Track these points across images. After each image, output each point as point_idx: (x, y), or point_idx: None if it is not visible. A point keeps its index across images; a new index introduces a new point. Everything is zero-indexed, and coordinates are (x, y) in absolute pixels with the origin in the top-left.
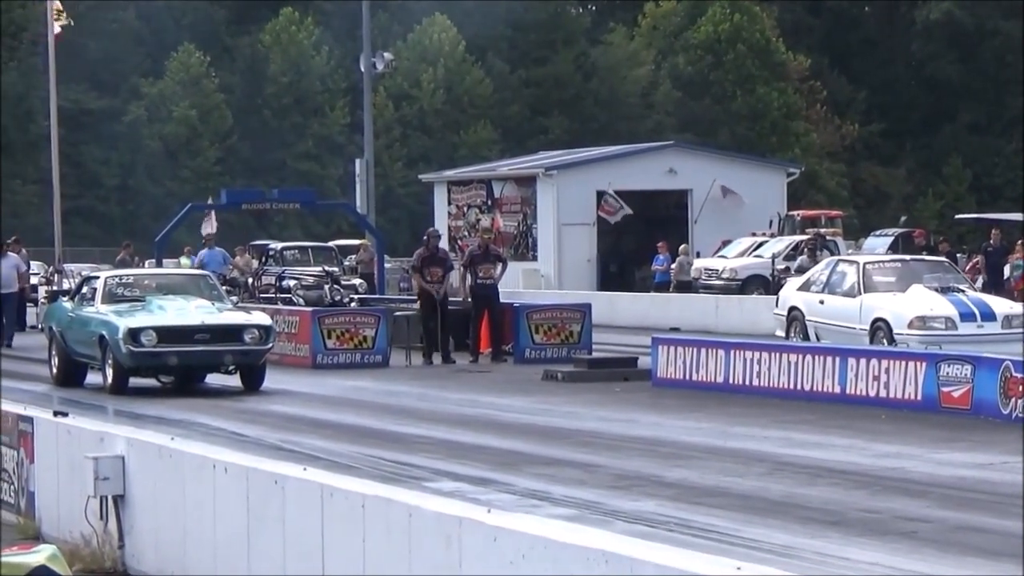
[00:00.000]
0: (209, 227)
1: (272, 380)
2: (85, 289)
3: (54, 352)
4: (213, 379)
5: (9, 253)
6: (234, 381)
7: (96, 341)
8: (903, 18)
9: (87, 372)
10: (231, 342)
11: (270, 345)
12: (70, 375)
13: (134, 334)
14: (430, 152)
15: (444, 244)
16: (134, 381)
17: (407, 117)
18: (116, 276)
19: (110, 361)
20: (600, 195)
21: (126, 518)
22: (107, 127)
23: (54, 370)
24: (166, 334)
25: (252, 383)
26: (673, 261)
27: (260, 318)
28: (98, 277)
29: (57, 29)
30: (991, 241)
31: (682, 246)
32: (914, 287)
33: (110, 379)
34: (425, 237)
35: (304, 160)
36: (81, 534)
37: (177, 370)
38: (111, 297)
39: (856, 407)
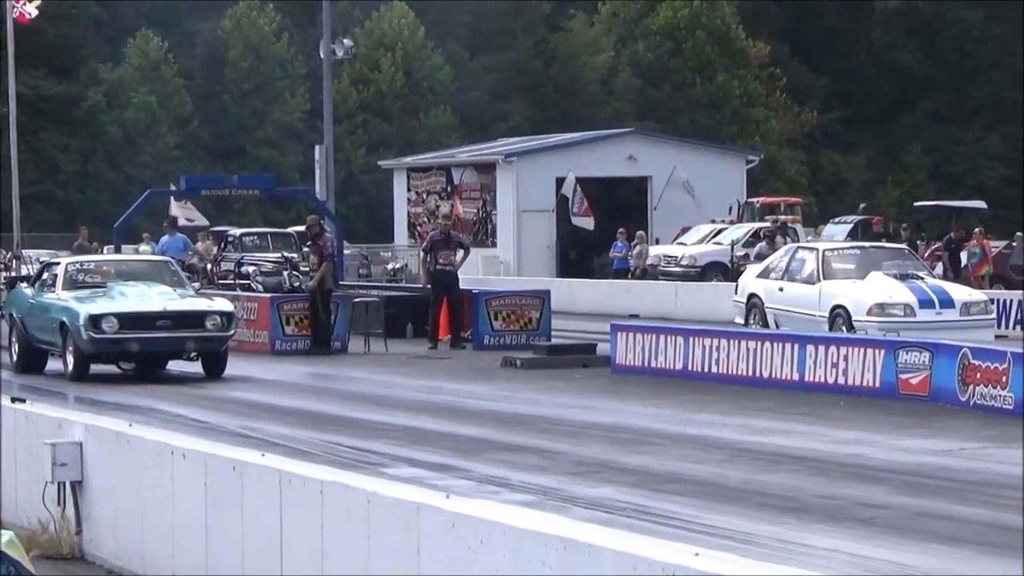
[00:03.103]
0: (181, 214)
1: (231, 366)
2: (45, 275)
3: (14, 339)
4: (174, 366)
5: None
6: (195, 368)
7: (57, 327)
8: (863, 6)
9: (48, 359)
10: (193, 328)
11: (232, 332)
12: (31, 362)
13: (95, 320)
14: (390, 138)
15: (403, 231)
16: (95, 367)
17: (367, 101)
18: (76, 262)
19: (71, 348)
20: (560, 182)
21: (84, 504)
22: (66, 113)
23: (14, 357)
24: (127, 320)
25: (214, 370)
26: (631, 248)
27: (222, 305)
28: (58, 263)
29: (34, 12)
30: (952, 236)
31: (638, 233)
32: (873, 274)
33: (71, 366)
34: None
35: (264, 146)
36: (39, 520)
37: (138, 356)
38: (72, 283)
39: (815, 394)
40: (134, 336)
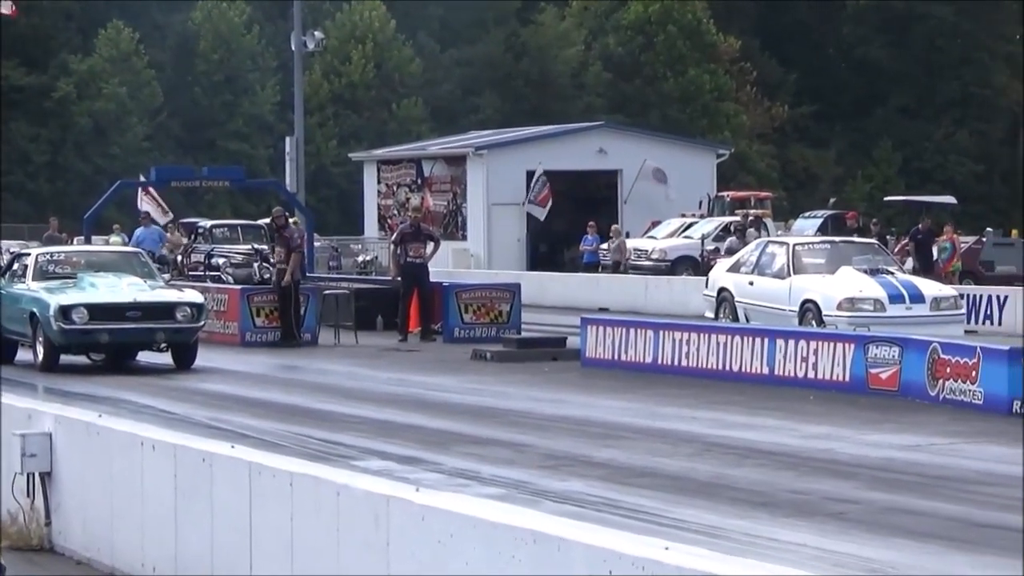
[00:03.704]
0: (150, 207)
1: (201, 358)
2: (16, 266)
3: None
4: (144, 356)
5: None
6: (165, 359)
7: (27, 318)
8: (834, 1)
9: (17, 349)
10: (163, 320)
11: (202, 323)
12: (0, 352)
13: (65, 311)
14: (360, 130)
15: (373, 223)
16: (65, 358)
17: (338, 93)
18: (47, 253)
19: (41, 338)
20: (530, 175)
21: (53, 495)
22: (36, 104)
23: None
24: (97, 311)
25: (184, 361)
26: (603, 242)
27: (192, 296)
28: (29, 254)
29: (7, 10)
30: (919, 227)
31: (613, 227)
32: (843, 269)
33: (41, 356)
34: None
35: (234, 139)
36: (8, 511)
37: (108, 347)
38: (42, 274)
39: (785, 388)
40: (104, 327)
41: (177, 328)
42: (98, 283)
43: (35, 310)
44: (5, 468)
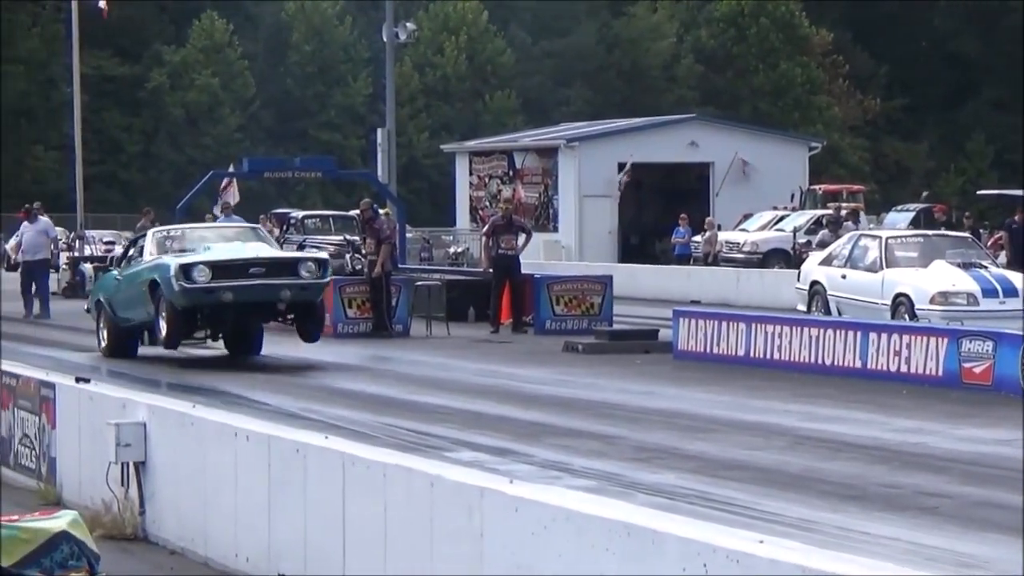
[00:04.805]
0: (229, 197)
1: (291, 348)
2: (131, 251)
3: (102, 324)
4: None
5: (40, 217)
6: (270, 347)
7: (146, 291)
8: None
9: (138, 344)
10: (287, 275)
11: (327, 280)
12: (120, 346)
13: (186, 270)
14: (452, 122)
15: (465, 215)
16: (159, 352)
17: (430, 84)
18: (164, 231)
19: (163, 311)
20: (621, 167)
21: (147, 485)
22: (129, 94)
23: (103, 342)
24: (220, 269)
25: (309, 327)
26: (695, 234)
27: (315, 253)
28: (144, 236)
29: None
30: (1015, 218)
31: (707, 219)
32: (936, 262)
33: (163, 331)
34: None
35: (326, 129)
36: (102, 500)
37: (232, 309)
38: (162, 248)
39: (877, 382)
40: (227, 285)
41: (303, 284)
42: (218, 247)
43: (155, 277)
44: (98, 457)
